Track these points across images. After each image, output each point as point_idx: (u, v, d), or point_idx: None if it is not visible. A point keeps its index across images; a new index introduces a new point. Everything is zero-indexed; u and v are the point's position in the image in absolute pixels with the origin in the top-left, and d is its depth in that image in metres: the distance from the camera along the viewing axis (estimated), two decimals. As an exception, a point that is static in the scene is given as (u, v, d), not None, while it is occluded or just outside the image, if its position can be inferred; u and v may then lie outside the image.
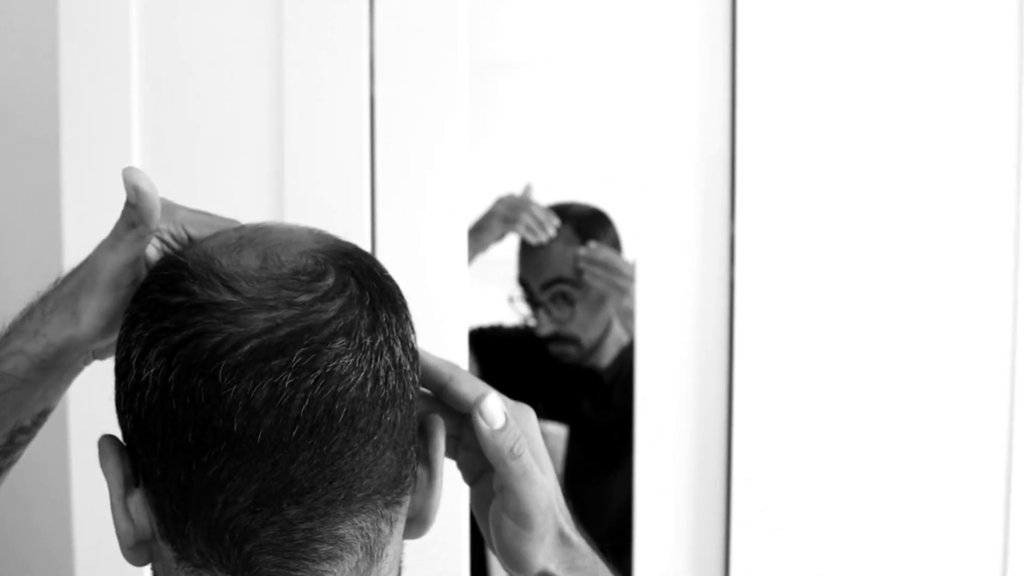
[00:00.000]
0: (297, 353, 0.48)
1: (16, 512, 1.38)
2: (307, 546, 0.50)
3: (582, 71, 1.66)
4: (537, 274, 1.53)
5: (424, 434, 0.57)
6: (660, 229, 1.13)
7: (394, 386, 0.51)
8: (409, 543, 0.62)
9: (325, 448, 0.49)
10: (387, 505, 0.53)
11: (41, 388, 0.64)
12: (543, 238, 1.54)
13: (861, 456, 1.10)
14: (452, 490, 1.13)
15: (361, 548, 0.52)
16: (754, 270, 1.10)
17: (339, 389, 0.49)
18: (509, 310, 1.55)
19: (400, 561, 0.58)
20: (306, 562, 0.50)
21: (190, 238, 0.59)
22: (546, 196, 1.73)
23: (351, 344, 0.49)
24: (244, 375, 0.47)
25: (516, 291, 1.57)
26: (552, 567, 0.63)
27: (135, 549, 0.54)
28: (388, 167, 1.14)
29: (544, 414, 0.71)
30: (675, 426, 1.14)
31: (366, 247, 1.13)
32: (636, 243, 1.17)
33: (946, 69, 1.08)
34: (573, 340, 1.51)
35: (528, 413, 0.63)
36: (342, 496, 0.50)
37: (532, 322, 1.54)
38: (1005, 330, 1.08)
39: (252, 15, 1.15)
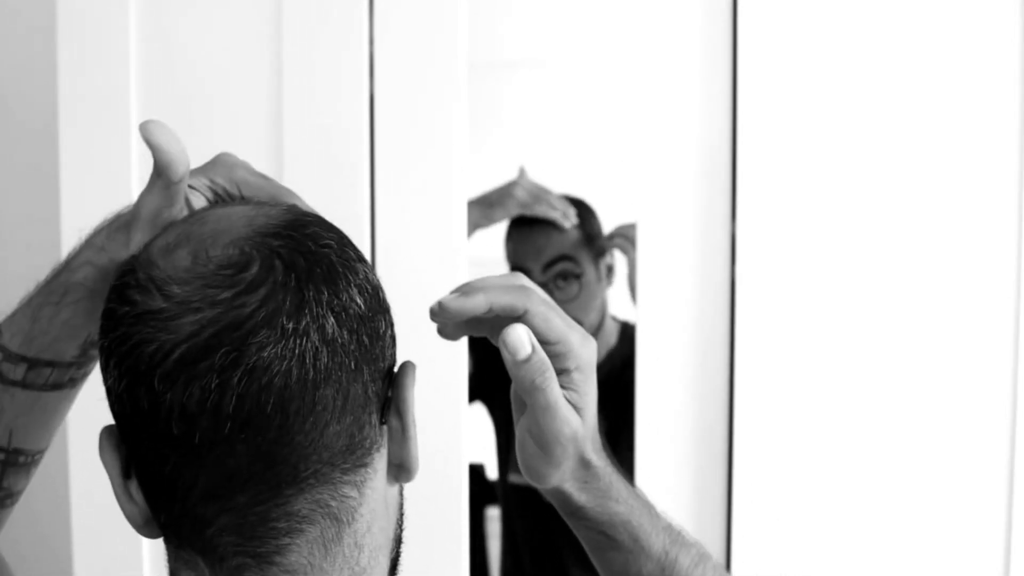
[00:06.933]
0: (219, 353, 0.51)
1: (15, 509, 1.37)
2: (263, 526, 0.53)
3: (583, 70, 1.66)
4: (538, 255, 1.53)
5: (394, 385, 0.58)
6: (661, 228, 1.13)
7: (326, 363, 0.52)
8: (409, 534, 0.63)
9: (260, 439, 0.51)
10: (345, 472, 0.54)
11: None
12: (567, 225, 1.56)
13: (863, 455, 1.10)
14: (451, 490, 1.14)
15: (324, 517, 0.54)
16: (755, 269, 1.10)
17: (264, 381, 0.51)
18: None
19: (398, 510, 0.61)
20: (266, 539, 0.53)
21: (232, 197, 0.67)
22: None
23: (272, 335, 0.51)
24: (176, 382, 0.51)
25: None
26: (567, 486, 0.66)
27: (147, 526, 0.57)
28: (388, 167, 1.14)
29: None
30: (676, 425, 1.13)
31: (366, 245, 1.13)
32: (636, 243, 1.17)
33: (948, 67, 1.07)
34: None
35: (588, 341, 0.64)
36: (287, 477, 0.52)
37: None
38: (1007, 328, 1.07)
39: (252, 14, 1.15)
